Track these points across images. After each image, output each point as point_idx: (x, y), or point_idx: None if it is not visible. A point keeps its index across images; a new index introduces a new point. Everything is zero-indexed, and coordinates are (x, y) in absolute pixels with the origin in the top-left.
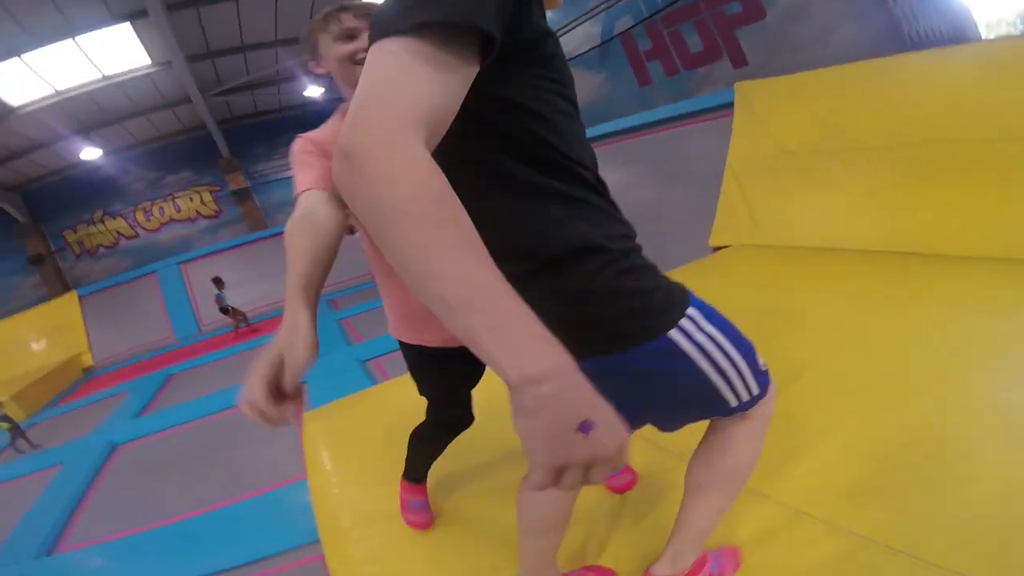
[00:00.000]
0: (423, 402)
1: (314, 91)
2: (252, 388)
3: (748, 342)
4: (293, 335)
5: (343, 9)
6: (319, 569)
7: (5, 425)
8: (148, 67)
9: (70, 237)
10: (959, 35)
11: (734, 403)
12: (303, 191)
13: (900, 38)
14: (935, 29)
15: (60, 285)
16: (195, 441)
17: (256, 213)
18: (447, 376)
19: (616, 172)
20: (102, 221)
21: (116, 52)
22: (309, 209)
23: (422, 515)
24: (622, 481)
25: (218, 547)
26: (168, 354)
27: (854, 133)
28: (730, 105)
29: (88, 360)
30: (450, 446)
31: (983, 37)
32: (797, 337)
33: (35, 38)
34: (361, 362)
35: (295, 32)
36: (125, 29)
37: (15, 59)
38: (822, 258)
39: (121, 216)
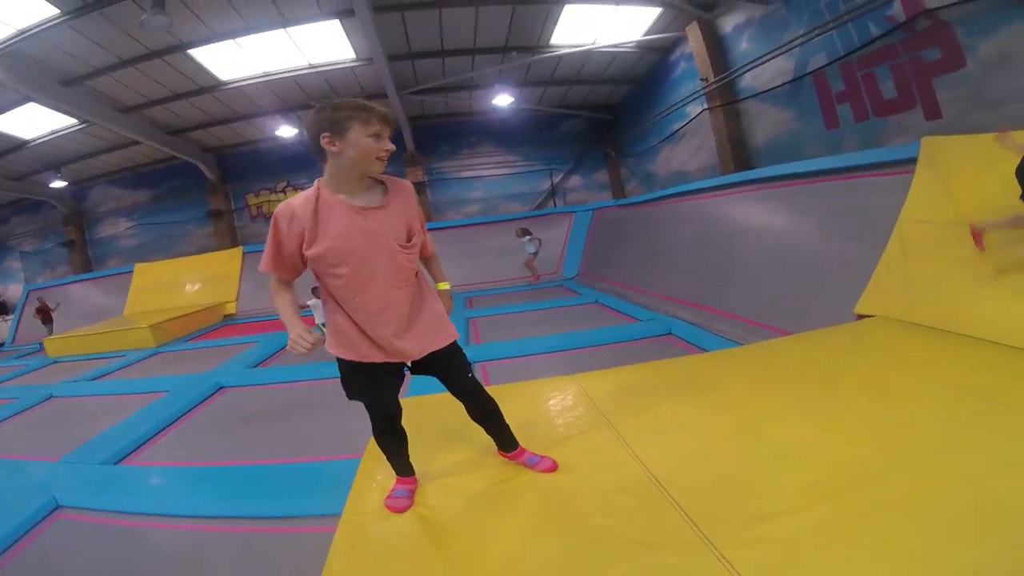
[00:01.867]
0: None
1: (503, 99)
2: (299, 331)
3: None
4: (299, 327)
5: (384, 115)
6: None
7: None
8: (352, 61)
9: (251, 200)
10: None
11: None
12: (268, 272)
13: None
14: None
15: (230, 240)
16: (291, 400)
17: (425, 207)
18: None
19: (785, 216)
20: (283, 191)
21: (324, 44)
22: (275, 288)
23: (401, 502)
24: (545, 466)
25: (264, 496)
26: (306, 319)
27: None
28: (915, 160)
29: (233, 308)
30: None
31: None
32: (877, 436)
33: (250, 25)
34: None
35: (492, 43)
36: (334, 25)
37: (230, 41)
38: (975, 351)
39: (302, 189)
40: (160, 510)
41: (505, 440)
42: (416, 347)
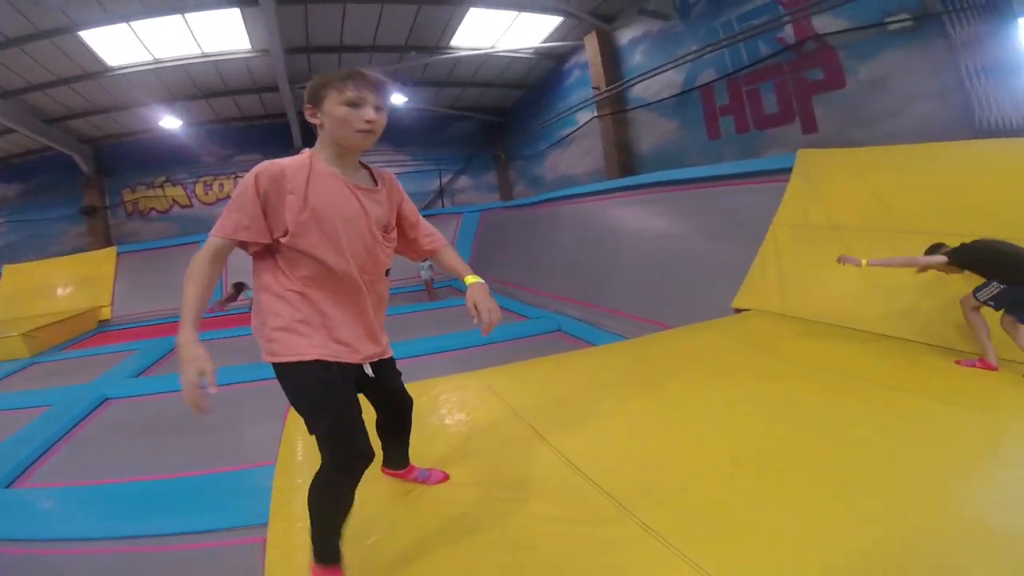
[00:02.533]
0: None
1: (397, 98)
2: (191, 386)
3: None
4: (201, 359)
5: (362, 77)
6: (260, 550)
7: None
8: (247, 52)
9: (127, 196)
10: None
11: None
12: (216, 236)
13: (971, 123)
14: (1007, 118)
15: (104, 239)
16: (184, 409)
17: None
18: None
19: (668, 219)
20: (162, 186)
21: (220, 33)
22: (211, 259)
23: None
24: (437, 478)
25: (174, 511)
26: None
27: (905, 215)
28: (790, 170)
29: (107, 313)
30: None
31: None
32: (767, 412)
33: (148, 7)
34: None
35: (392, 41)
36: (233, 14)
37: (123, 24)
38: (836, 337)
39: (182, 185)
40: (60, 535)
41: (403, 455)
42: (378, 350)
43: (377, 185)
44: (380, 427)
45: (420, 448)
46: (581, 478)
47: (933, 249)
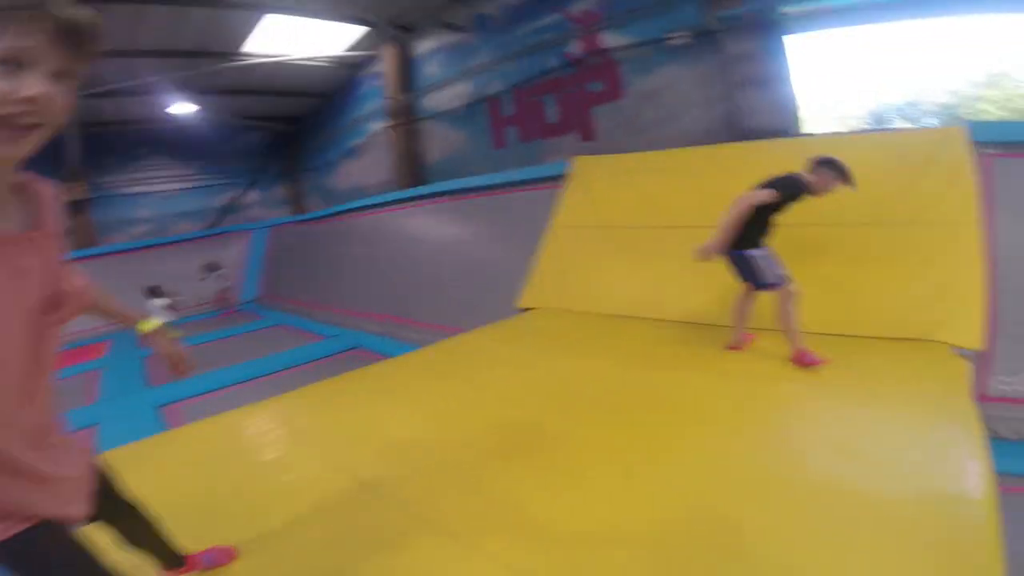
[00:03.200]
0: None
1: (186, 107)
2: None
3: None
4: None
5: (32, 17)
6: None
7: None
8: None
9: None
10: (785, 130)
11: None
12: None
13: (735, 129)
14: (764, 124)
15: None
16: None
17: (88, 228)
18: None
19: (459, 227)
20: None
21: None
22: None
23: None
24: (225, 560)
25: None
26: None
27: (670, 213)
28: (566, 176)
29: None
30: None
31: (802, 133)
32: (558, 401)
33: None
34: (156, 407)
35: (187, 46)
36: None
37: None
38: (615, 325)
39: None
40: None
41: (172, 551)
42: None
43: (38, 218)
44: (129, 541)
45: (203, 502)
46: (376, 496)
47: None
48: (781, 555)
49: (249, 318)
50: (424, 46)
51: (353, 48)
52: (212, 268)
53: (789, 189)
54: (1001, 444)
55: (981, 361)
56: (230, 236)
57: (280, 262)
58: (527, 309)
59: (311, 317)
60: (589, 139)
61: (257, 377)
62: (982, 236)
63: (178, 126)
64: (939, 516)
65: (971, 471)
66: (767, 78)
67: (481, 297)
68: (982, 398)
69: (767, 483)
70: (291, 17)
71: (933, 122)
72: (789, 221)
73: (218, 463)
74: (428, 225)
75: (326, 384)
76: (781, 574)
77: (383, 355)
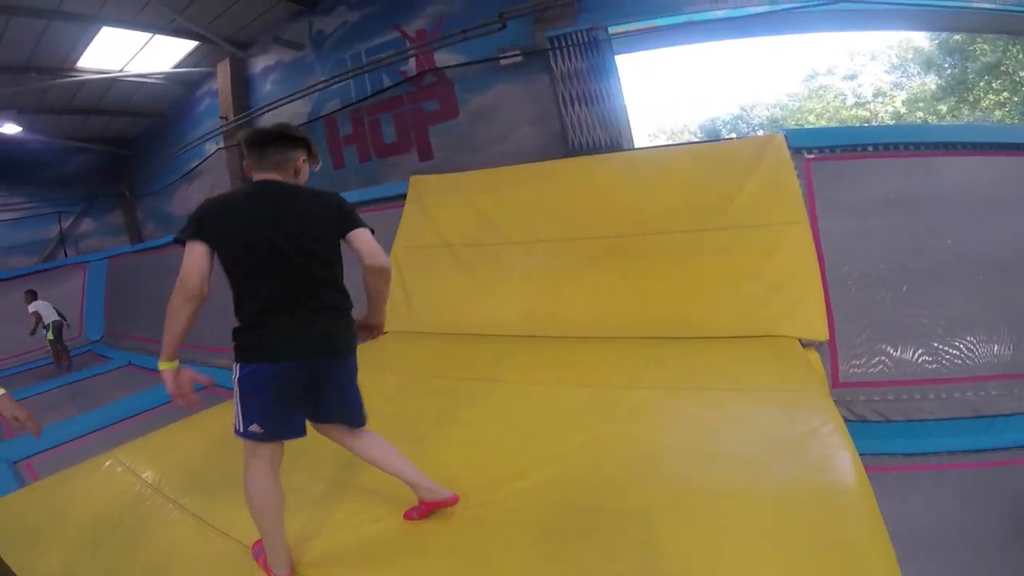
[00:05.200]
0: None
1: (9, 128)
2: None
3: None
4: None
5: None
6: None
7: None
8: None
9: None
10: (615, 145)
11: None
12: None
13: (565, 145)
14: (596, 139)
15: None
16: None
17: None
18: None
19: None
20: None
21: None
22: None
23: None
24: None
25: None
26: None
27: (507, 229)
28: (405, 196)
29: None
30: None
31: (634, 146)
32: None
33: None
34: (11, 463)
35: (12, 60)
36: None
37: None
38: (468, 344)
39: None
40: None
41: None
42: None
43: None
44: None
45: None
46: (232, 542)
47: None
48: (645, 567)
49: (96, 360)
50: (261, 63)
51: (188, 64)
52: (33, 296)
53: None
54: (866, 427)
55: (828, 350)
56: (66, 270)
57: (124, 296)
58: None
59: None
60: (427, 158)
61: (108, 425)
62: (810, 233)
63: (4, 149)
64: (815, 510)
65: (839, 459)
66: (597, 95)
67: None
68: (837, 384)
69: (623, 490)
70: (125, 31)
71: (759, 133)
72: (615, 232)
73: None
74: None
75: (175, 427)
76: None
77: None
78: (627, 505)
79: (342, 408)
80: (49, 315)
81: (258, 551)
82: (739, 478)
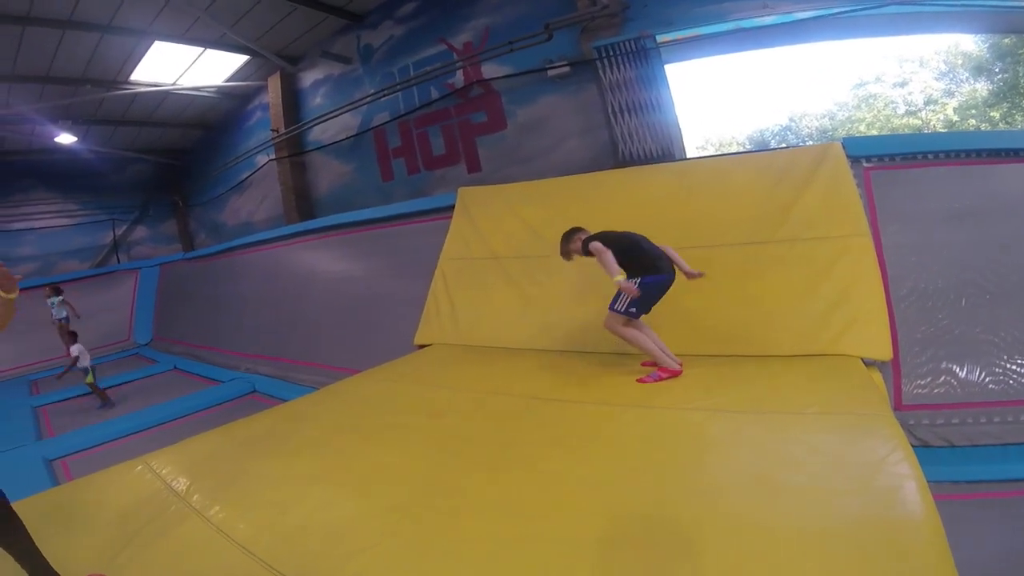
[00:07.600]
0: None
1: (66, 138)
2: None
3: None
4: None
5: None
6: None
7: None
8: None
9: None
10: (667, 155)
11: None
12: None
13: (615, 155)
14: (647, 149)
15: None
16: None
17: None
18: None
19: (350, 262)
20: None
21: None
22: None
23: None
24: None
25: None
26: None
27: (552, 240)
28: (453, 207)
29: None
30: None
31: (686, 156)
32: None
33: None
34: (48, 461)
35: (69, 72)
36: None
37: None
38: (503, 358)
39: None
40: None
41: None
42: None
43: None
44: None
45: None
46: (253, 561)
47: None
48: None
49: (143, 363)
50: (311, 77)
51: (239, 78)
52: (55, 291)
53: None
54: (929, 452)
55: (892, 370)
56: (117, 275)
57: (173, 302)
58: (424, 345)
59: (206, 360)
60: (475, 170)
61: (151, 427)
62: (873, 246)
63: (62, 158)
64: (879, 544)
65: (906, 490)
66: (648, 104)
67: (375, 334)
68: (899, 407)
69: (677, 523)
70: (178, 45)
71: (810, 143)
72: (668, 244)
73: None
74: (319, 260)
75: (217, 433)
76: None
77: (278, 399)
78: (681, 538)
79: None
80: (85, 359)
81: (648, 377)
82: (803, 513)
